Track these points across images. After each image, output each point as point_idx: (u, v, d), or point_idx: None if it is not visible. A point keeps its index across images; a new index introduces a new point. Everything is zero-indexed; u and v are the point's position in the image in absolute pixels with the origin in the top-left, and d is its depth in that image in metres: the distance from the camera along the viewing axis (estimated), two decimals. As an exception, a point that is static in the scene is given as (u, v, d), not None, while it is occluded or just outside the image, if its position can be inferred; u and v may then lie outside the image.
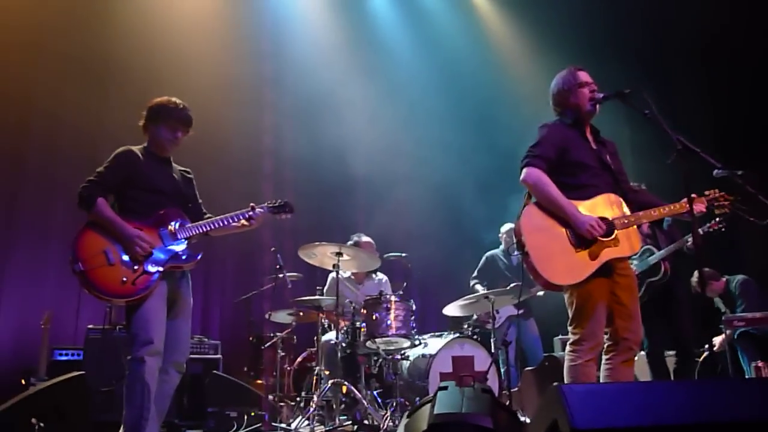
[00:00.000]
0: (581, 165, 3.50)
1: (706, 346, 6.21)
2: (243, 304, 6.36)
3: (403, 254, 6.27)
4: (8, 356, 5.84)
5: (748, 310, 5.94)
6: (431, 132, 7.89)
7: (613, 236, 3.39)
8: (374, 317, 4.85)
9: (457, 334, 5.23)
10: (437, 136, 7.69)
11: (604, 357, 3.50)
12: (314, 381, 4.97)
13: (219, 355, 5.85)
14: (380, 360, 5.01)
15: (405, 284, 5.70)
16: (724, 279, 6.40)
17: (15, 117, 6.41)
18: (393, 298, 4.96)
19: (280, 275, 5.65)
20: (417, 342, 4.98)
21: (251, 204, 3.83)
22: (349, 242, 5.87)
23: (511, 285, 5.64)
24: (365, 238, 6.02)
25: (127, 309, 3.46)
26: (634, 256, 5.46)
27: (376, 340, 4.82)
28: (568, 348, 3.46)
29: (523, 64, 8.19)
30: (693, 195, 3.46)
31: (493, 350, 5.26)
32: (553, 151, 3.50)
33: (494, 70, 8.32)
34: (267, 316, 5.79)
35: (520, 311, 6.27)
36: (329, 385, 4.70)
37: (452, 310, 5.50)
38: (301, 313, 5.80)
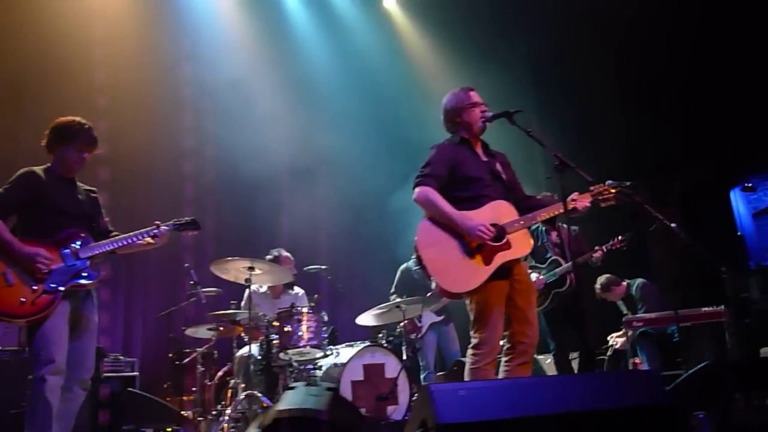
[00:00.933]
0: (471, 178, 3.69)
1: (609, 344, 6.61)
2: (164, 320, 6.35)
3: (323, 266, 6.49)
4: None
5: (648, 312, 6.26)
6: (346, 137, 7.98)
7: (504, 240, 3.57)
8: (286, 329, 4.94)
9: (368, 343, 5.36)
10: (351, 142, 7.79)
11: (502, 359, 3.69)
12: (228, 394, 5.03)
13: (135, 372, 5.82)
14: (294, 371, 5.10)
15: (316, 296, 5.85)
16: (625, 283, 6.66)
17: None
18: (304, 310, 5.08)
19: (196, 291, 5.68)
20: (329, 352, 5.10)
21: (156, 222, 3.90)
22: (268, 257, 5.95)
23: (429, 294, 5.80)
24: (284, 254, 6.07)
25: (28, 329, 3.48)
26: (542, 267, 5.87)
27: (289, 351, 4.92)
28: (469, 352, 3.64)
29: (435, 69, 8.44)
30: (575, 193, 3.77)
31: (404, 357, 5.42)
32: (442, 168, 3.67)
33: (406, 70, 8.49)
34: (183, 330, 5.80)
35: (440, 317, 6.46)
36: (242, 397, 4.77)
37: (366, 319, 5.64)
38: (221, 328, 5.83)
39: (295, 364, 5.02)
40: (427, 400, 2.38)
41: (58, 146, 3.74)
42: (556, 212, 3.70)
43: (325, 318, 5.21)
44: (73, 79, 6.79)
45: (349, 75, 8.48)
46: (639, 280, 6.68)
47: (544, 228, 6.04)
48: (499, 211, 3.65)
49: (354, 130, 7.96)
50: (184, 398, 6.25)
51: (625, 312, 6.57)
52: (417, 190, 3.65)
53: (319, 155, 8.09)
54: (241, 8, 8.24)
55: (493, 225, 3.56)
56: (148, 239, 3.83)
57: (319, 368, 5.22)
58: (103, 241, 3.75)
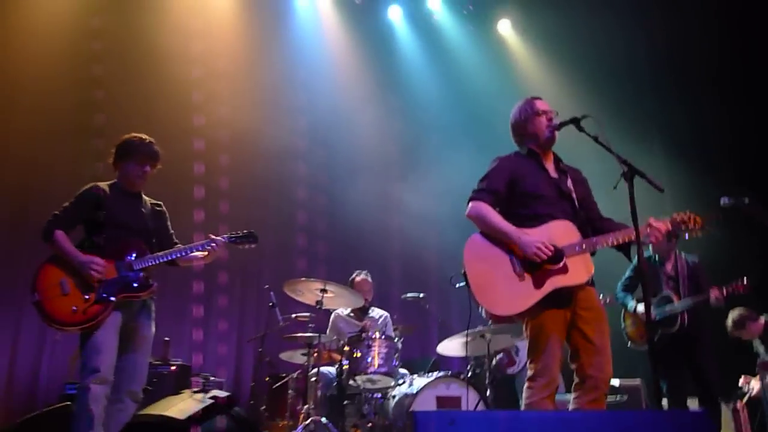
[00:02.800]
0: (533, 195, 3.43)
1: (742, 390, 5.79)
2: (256, 343, 6.40)
3: (421, 294, 6.26)
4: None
5: None
6: (455, 165, 7.78)
7: (561, 263, 3.27)
8: (356, 354, 4.80)
9: (442, 373, 5.05)
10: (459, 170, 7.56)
11: (572, 395, 3.33)
12: (300, 419, 4.93)
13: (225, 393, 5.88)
14: (364, 398, 4.91)
15: (407, 326, 5.62)
16: (763, 319, 5.94)
17: None
18: (376, 335, 4.92)
19: (285, 316, 5.62)
20: (401, 381, 4.86)
21: (209, 235, 3.93)
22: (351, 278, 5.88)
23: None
24: (360, 276, 5.96)
25: (80, 338, 3.61)
26: (653, 300, 5.36)
27: (357, 377, 4.74)
28: (525, 385, 3.33)
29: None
30: (652, 218, 3.41)
31: (488, 392, 5.04)
32: (500, 183, 3.46)
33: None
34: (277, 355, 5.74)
35: None
36: (308, 422, 4.65)
37: (448, 349, 5.33)
38: (316, 354, 5.76)
39: (363, 391, 4.81)
40: (413, 426, 2.12)
41: (120, 162, 3.92)
42: (626, 239, 3.35)
43: (400, 345, 5.01)
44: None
45: (460, 103, 8.37)
46: None
47: (657, 256, 5.53)
48: (559, 232, 3.35)
49: (465, 159, 7.68)
50: (281, 424, 6.21)
51: (763, 354, 5.87)
52: (470, 205, 3.46)
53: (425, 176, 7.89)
54: (353, 43, 8.38)
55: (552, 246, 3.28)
56: (202, 252, 3.85)
57: (392, 397, 4.97)
58: (158, 253, 3.83)
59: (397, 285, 7.70)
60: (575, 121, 3.42)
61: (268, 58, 7.74)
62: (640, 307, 5.35)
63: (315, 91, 8.01)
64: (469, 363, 5.60)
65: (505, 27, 9.02)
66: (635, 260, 5.56)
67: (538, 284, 3.26)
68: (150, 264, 3.79)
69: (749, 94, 7.10)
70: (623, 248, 3.49)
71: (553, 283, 3.25)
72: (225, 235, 3.98)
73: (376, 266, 7.51)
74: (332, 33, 8.41)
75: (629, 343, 5.57)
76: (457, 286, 3.65)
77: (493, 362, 6.03)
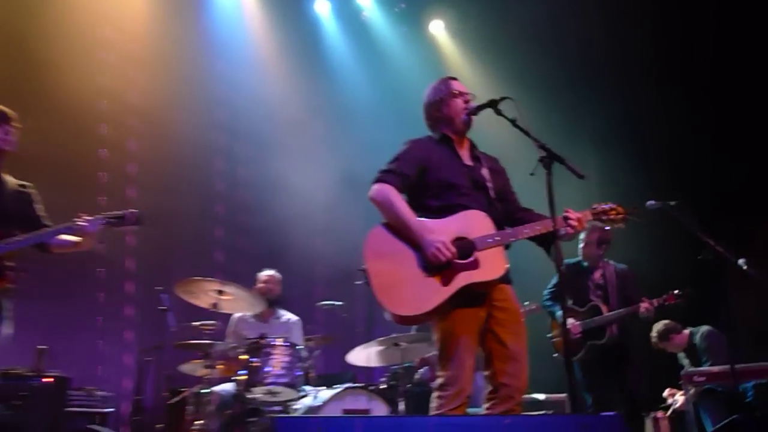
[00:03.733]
0: (446, 184, 3.18)
1: (667, 403, 5.77)
2: (155, 354, 5.84)
3: (338, 302, 5.86)
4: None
5: (715, 365, 5.33)
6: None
7: (471, 258, 2.98)
8: (254, 363, 4.40)
9: (349, 385, 4.66)
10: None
11: (484, 406, 3.06)
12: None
13: (110, 408, 5.31)
14: (262, 412, 4.45)
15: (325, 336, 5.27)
16: (687, 331, 5.84)
17: None
18: (277, 341, 4.54)
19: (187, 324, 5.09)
20: (303, 393, 4.44)
21: (79, 214, 3.45)
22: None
23: None
24: (264, 273, 5.64)
25: None
26: (581, 310, 5.22)
27: (255, 389, 4.29)
28: (433, 394, 3.03)
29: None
30: (569, 210, 3.18)
31: (402, 406, 4.65)
32: (410, 167, 3.19)
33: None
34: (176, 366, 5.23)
35: None
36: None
37: (359, 358, 4.96)
38: (221, 365, 5.24)
39: (263, 405, 4.36)
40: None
41: None
42: (542, 231, 3.11)
43: (303, 353, 4.68)
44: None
45: (388, 102, 8.08)
46: (704, 328, 5.80)
47: (586, 263, 5.36)
48: (472, 223, 3.08)
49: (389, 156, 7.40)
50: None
51: (687, 366, 5.72)
52: (375, 187, 3.15)
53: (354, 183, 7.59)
54: (276, 36, 8.10)
55: (459, 239, 3.02)
56: (73, 237, 3.38)
57: (294, 411, 4.53)
58: (13, 238, 3.32)
59: (323, 289, 7.38)
60: (493, 104, 3.18)
61: (184, 46, 7.34)
62: (569, 322, 5.13)
63: (235, 83, 7.69)
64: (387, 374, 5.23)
65: (437, 27, 8.83)
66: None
67: (446, 281, 2.96)
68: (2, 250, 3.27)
69: (685, 88, 7.08)
70: (543, 243, 3.23)
71: (462, 280, 2.96)
72: (98, 216, 3.48)
73: (300, 269, 7.22)
74: (254, 24, 8.09)
75: (556, 354, 5.37)
76: (358, 283, 3.28)
77: (416, 376, 5.70)
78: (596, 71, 7.71)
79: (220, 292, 4.68)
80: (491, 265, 2.99)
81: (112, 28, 7.16)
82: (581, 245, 5.33)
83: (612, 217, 3.26)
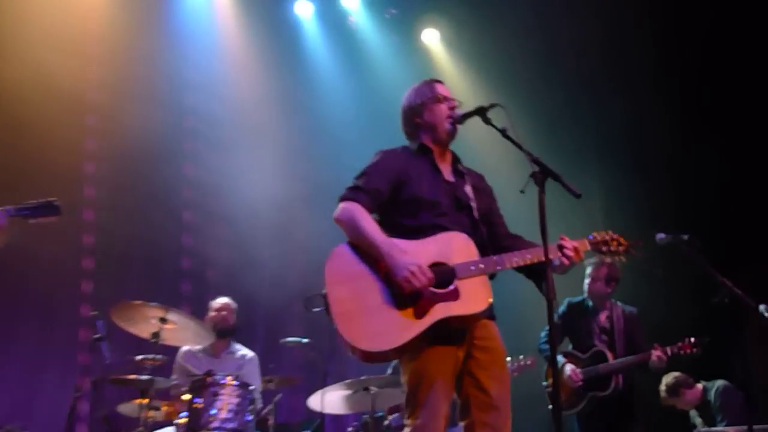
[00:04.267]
0: (423, 202, 3.11)
1: None
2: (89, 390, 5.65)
3: (304, 339, 5.75)
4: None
5: (731, 425, 5.35)
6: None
7: (450, 287, 2.88)
8: (197, 405, 4.28)
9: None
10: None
11: None
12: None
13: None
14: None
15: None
16: (701, 386, 5.83)
17: None
18: (227, 380, 4.41)
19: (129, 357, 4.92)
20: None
21: None
22: None
23: None
24: (217, 302, 5.54)
25: None
26: (582, 357, 5.19)
27: (197, 436, 4.15)
28: None
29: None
30: (563, 236, 3.11)
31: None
32: (383, 182, 3.11)
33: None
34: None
35: None
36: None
37: (326, 404, 4.85)
38: (165, 407, 5.07)
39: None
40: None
41: None
42: (534, 260, 3.03)
43: (256, 395, 4.63)
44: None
45: (374, 115, 7.92)
46: (720, 383, 5.82)
47: (591, 303, 5.33)
48: (452, 247, 3.00)
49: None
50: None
51: (699, 425, 5.74)
52: (341, 206, 3.09)
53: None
54: (251, 39, 8.05)
55: (437, 264, 2.93)
56: None
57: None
58: None
59: (291, 323, 7.30)
60: (481, 112, 3.12)
61: (149, 47, 7.30)
62: (569, 369, 5.08)
63: (205, 90, 7.67)
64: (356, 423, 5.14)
65: (430, 37, 8.83)
66: (563, 305, 5.32)
67: (419, 312, 2.86)
68: None
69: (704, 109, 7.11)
70: (533, 275, 3.15)
71: (439, 312, 2.85)
72: (9, 207, 3.34)
73: (264, 298, 7.20)
74: (227, 23, 8.04)
75: (550, 405, 5.30)
76: (315, 311, 3.17)
77: (385, 422, 5.55)
78: (598, 85, 7.80)
79: (163, 320, 4.58)
80: (473, 296, 2.89)
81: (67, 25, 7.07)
82: (587, 281, 5.29)
83: (613, 249, 3.19)
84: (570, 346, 5.35)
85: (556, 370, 2.65)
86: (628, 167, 7.40)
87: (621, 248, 3.19)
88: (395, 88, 7.83)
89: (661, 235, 4.32)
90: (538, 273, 3.09)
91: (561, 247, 3.04)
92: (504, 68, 8.06)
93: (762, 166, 6.62)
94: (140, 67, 7.13)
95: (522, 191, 2.88)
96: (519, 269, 3.09)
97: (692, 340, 4.93)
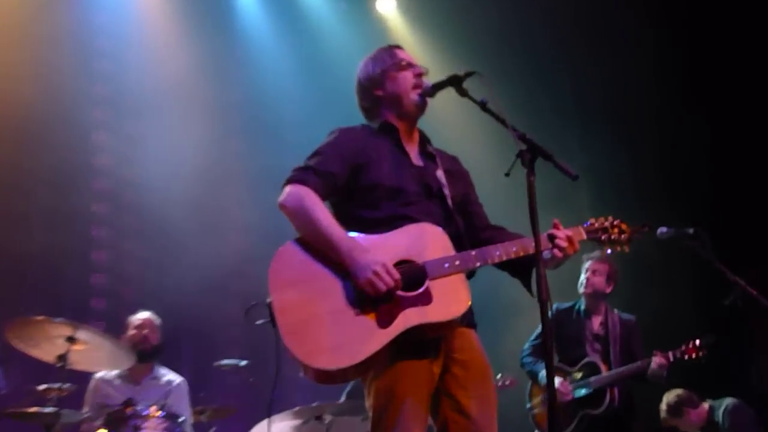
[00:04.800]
0: (388, 189, 3.03)
1: None
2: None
3: (242, 362, 5.65)
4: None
5: None
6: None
7: (422, 288, 2.79)
8: None
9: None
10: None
11: None
12: None
13: None
14: None
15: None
16: (707, 405, 5.92)
17: None
18: (151, 410, 4.36)
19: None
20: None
21: None
22: None
23: None
24: (137, 318, 5.46)
25: None
26: (571, 370, 5.23)
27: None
28: None
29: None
30: (556, 223, 3.03)
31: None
32: (338, 164, 3.03)
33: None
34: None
35: None
36: None
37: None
38: None
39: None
40: None
41: None
42: (521, 253, 2.96)
43: (186, 428, 4.59)
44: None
45: (324, 93, 8.07)
46: (728, 401, 5.89)
47: (584, 307, 5.41)
48: (422, 241, 2.91)
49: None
50: None
51: None
52: (287, 189, 2.96)
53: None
54: (176, 10, 7.98)
55: (405, 262, 2.85)
56: None
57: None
58: None
59: (231, 342, 7.25)
60: (455, 81, 3.07)
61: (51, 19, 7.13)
62: (556, 381, 5.08)
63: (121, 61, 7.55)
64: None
65: (385, 5, 8.90)
66: (551, 311, 5.29)
67: (385, 320, 2.74)
68: None
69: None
70: (520, 272, 3.10)
71: (408, 319, 2.74)
72: None
73: (194, 312, 7.02)
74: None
75: (536, 431, 5.35)
76: (259, 323, 3.02)
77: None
78: (575, 56, 7.98)
79: (72, 340, 4.42)
80: (448, 299, 2.80)
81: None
82: (585, 275, 5.33)
83: (614, 237, 3.13)
84: (556, 359, 5.37)
85: (552, 388, 2.52)
86: (614, 145, 7.56)
87: (623, 236, 3.15)
88: (347, 61, 8.01)
89: (663, 230, 4.37)
90: (524, 269, 3.05)
91: (552, 237, 2.96)
92: (469, 39, 8.12)
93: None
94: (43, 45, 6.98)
95: (507, 174, 2.76)
96: (502, 265, 3.02)
97: (697, 342, 4.96)
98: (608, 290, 5.31)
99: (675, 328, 5.82)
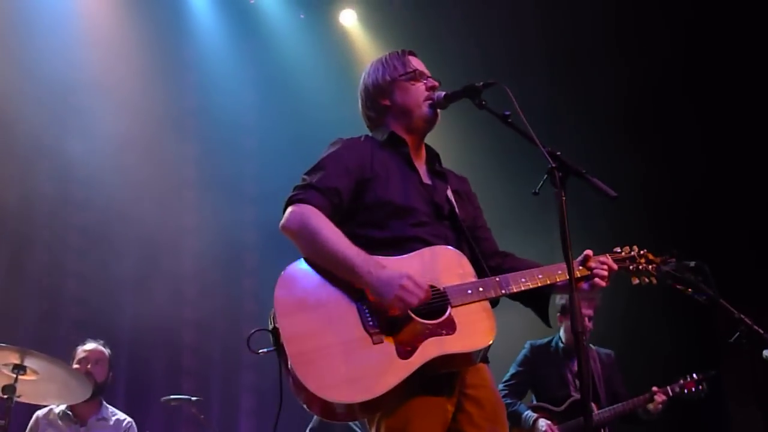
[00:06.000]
0: (396, 208, 2.96)
1: None
2: None
3: (193, 398, 5.63)
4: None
5: None
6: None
7: (444, 316, 2.71)
8: None
9: None
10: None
11: None
12: None
13: None
14: None
15: None
16: None
17: None
18: None
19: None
20: None
21: None
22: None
23: None
24: (85, 347, 5.31)
25: None
26: (557, 410, 5.17)
27: None
28: None
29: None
30: (589, 251, 3.03)
31: None
32: (343, 180, 2.95)
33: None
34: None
35: None
36: None
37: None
38: None
39: None
40: None
41: None
42: (546, 281, 2.94)
43: None
44: None
45: (281, 109, 8.17)
46: None
47: (562, 345, 5.41)
48: (440, 264, 2.84)
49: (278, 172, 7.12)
50: None
51: None
52: (290, 210, 2.86)
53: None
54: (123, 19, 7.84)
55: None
56: None
57: None
58: None
59: (173, 372, 7.10)
60: (473, 93, 3.00)
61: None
62: (543, 424, 5.02)
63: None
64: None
65: (349, 18, 8.84)
66: (525, 348, 5.26)
67: (404, 351, 2.65)
68: None
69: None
70: (534, 300, 3.06)
71: (430, 350, 2.64)
72: None
73: (137, 339, 6.86)
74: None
75: None
76: (262, 352, 2.87)
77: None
78: (542, 75, 7.93)
79: (20, 368, 4.17)
80: (473, 329, 2.73)
81: None
82: (559, 319, 5.33)
83: (642, 267, 3.14)
84: (533, 400, 5.37)
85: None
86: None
87: (651, 267, 3.17)
88: (307, 73, 8.06)
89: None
90: (540, 298, 3.02)
91: (587, 263, 2.95)
92: (433, 52, 8.06)
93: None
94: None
95: (536, 192, 2.71)
96: (514, 295, 2.94)
97: (696, 376, 5.02)
98: (590, 328, 5.32)
99: (660, 366, 5.84)
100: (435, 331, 2.66)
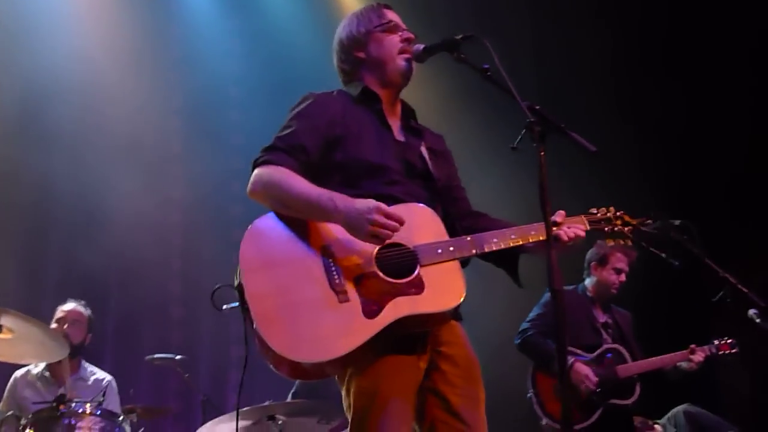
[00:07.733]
0: (367, 166, 2.94)
1: None
2: None
3: (177, 356, 5.63)
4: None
5: None
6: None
7: (413, 275, 2.69)
8: None
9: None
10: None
11: None
12: None
13: None
14: None
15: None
16: (659, 428, 5.81)
17: None
18: (86, 408, 4.23)
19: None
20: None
21: None
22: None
23: None
24: (69, 306, 5.32)
25: None
26: (588, 357, 5.14)
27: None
28: None
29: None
30: (561, 213, 2.99)
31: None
32: (311, 137, 2.92)
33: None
34: None
35: None
36: None
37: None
38: None
39: None
40: None
41: None
42: (519, 242, 2.90)
43: (126, 427, 4.42)
44: None
45: (265, 68, 8.11)
46: (677, 411, 5.88)
47: (590, 294, 5.41)
48: (412, 223, 2.77)
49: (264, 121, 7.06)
50: None
51: None
52: (256, 173, 2.86)
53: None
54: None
55: (391, 246, 2.73)
56: None
57: None
58: None
59: (157, 332, 7.12)
60: (451, 46, 2.93)
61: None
62: (583, 368, 5.00)
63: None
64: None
65: None
66: (546, 294, 5.26)
67: (371, 309, 2.64)
68: None
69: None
70: (506, 261, 3.04)
71: (398, 309, 2.63)
72: None
73: (122, 298, 6.95)
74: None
75: (544, 420, 5.11)
76: (226, 308, 2.85)
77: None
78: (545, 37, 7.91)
79: None
80: (443, 288, 2.71)
81: None
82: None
83: (617, 229, 3.11)
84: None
85: (566, 384, 2.42)
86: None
87: (627, 228, 3.13)
88: (293, 26, 7.98)
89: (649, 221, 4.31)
90: (511, 258, 3.00)
91: (555, 225, 2.89)
92: (433, 16, 7.83)
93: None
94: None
95: (514, 147, 2.69)
96: (485, 255, 2.93)
97: (729, 340, 5.08)
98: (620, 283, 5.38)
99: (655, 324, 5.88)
100: (403, 290, 2.65)
